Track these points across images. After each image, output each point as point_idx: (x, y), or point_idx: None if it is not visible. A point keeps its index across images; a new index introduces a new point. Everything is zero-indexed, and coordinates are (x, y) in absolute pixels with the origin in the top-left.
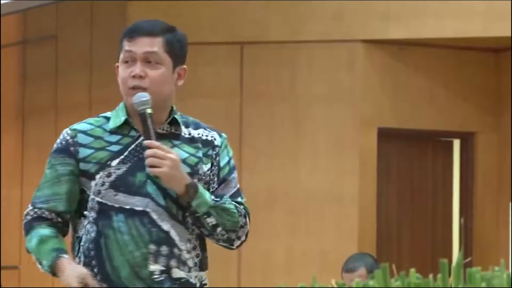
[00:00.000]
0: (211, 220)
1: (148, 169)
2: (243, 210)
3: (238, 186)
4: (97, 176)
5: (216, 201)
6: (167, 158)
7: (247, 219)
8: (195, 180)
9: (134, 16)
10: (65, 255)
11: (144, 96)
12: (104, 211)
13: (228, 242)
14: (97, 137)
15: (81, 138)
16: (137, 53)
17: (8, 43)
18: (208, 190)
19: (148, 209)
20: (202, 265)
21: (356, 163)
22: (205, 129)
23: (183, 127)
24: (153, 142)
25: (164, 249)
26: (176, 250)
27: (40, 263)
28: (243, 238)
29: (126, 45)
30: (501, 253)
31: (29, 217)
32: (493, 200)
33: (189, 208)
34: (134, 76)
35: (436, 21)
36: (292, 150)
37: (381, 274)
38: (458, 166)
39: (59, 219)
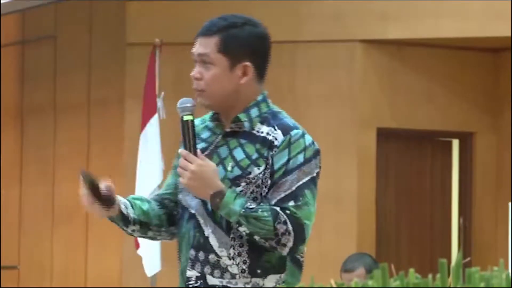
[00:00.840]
0: (243, 229)
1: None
2: (283, 217)
3: (294, 188)
4: None
5: (249, 209)
6: (188, 170)
7: (293, 225)
8: (243, 184)
9: (132, 16)
10: (121, 205)
11: (186, 102)
12: (181, 209)
13: (274, 249)
14: (197, 134)
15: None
16: (194, 55)
17: (6, 43)
18: (261, 194)
19: (197, 213)
20: (255, 271)
21: (355, 163)
22: (273, 126)
23: (258, 124)
24: (182, 151)
25: (201, 255)
26: (212, 256)
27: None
28: (290, 245)
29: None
30: (500, 253)
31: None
32: (492, 200)
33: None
34: (194, 78)
35: (435, 21)
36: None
37: (380, 274)
38: (457, 166)
39: (165, 201)
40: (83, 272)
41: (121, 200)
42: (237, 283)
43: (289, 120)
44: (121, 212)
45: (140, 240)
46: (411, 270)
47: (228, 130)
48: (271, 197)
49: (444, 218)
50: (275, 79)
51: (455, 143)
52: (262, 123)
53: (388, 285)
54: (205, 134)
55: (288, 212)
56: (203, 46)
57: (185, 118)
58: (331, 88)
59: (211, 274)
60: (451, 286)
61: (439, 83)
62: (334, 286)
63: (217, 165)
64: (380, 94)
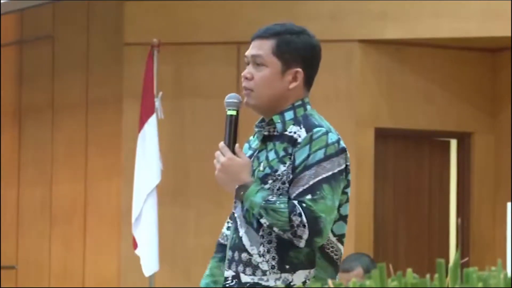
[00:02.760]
0: (264, 221)
1: None
2: (299, 209)
3: (312, 183)
4: None
5: (269, 201)
6: (218, 162)
7: (308, 218)
8: (270, 181)
9: (130, 16)
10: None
11: (233, 97)
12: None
13: (292, 241)
14: (251, 142)
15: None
16: (248, 56)
17: (4, 43)
18: (286, 191)
19: (237, 216)
20: (284, 267)
21: (353, 163)
22: (300, 125)
23: (291, 126)
24: (220, 144)
25: (236, 255)
26: (245, 255)
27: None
28: (305, 237)
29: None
30: (498, 253)
31: None
32: (490, 200)
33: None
34: (244, 78)
35: (433, 21)
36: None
37: (378, 274)
38: (455, 166)
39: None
40: (81, 272)
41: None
42: (268, 280)
43: (317, 120)
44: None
45: (138, 240)
46: (409, 270)
47: (265, 133)
48: (291, 192)
49: (442, 218)
50: None
51: (453, 143)
52: (294, 124)
53: (386, 285)
54: (254, 143)
55: (304, 205)
56: (257, 48)
57: (229, 112)
58: (329, 88)
59: (244, 272)
60: (449, 286)
61: (437, 83)
62: (332, 286)
63: (255, 168)
64: (378, 94)
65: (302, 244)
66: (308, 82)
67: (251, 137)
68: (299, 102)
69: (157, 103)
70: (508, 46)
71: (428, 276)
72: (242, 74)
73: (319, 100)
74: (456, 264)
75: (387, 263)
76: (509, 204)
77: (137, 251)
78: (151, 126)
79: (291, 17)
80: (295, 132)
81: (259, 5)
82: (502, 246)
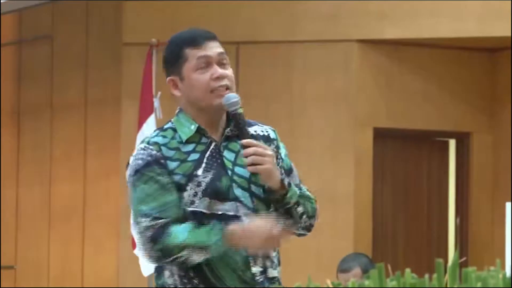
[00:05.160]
0: (300, 209)
1: (249, 168)
2: (313, 198)
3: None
4: (188, 187)
5: (301, 190)
6: (267, 155)
7: (317, 206)
8: None
9: (129, 16)
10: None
11: (234, 97)
12: (201, 220)
13: (308, 229)
14: (176, 149)
15: (165, 151)
16: (212, 56)
17: (3, 43)
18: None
19: (238, 213)
20: (279, 260)
21: (352, 163)
22: (258, 125)
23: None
24: (251, 141)
25: None
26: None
27: (204, 245)
28: (314, 223)
29: (197, 52)
30: (496, 253)
31: (154, 228)
32: (488, 199)
33: (282, 201)
34: (218, 78)
35: (431, 21)
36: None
37: (376, 274)
38: (453, 166)
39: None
40: (79, 272)
41: None
42: (278, 272)
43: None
44: None
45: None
46: (408, 270)
47: (228, 134)
48: (293, 181)
49: (441, 218)
50: (271, 79)
51: (452, 143)
52: (248, 125)
53: (384, 285)
54: (187, 147)
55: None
56: (219, 47)
57: (240, 110)
58: (328, 88)
59: (271, 266)
60: (448, 286)
61: (435, 83)
62: (331, 286)
63: (232, 167)
64: (377, 94)
65: (311, 231)
66: None
67: (160, 141)
68: None
69: (156, 103)
70: (507, 46)
71: (426, 276)
72: (214, 75)
73: (317, 100)
74: (455, 264)
75: (386, 263)
76: (507, 204)
77: (136, 251)
78: (150, 126)
79: (290, 17)
80: (262, 131)
81: (259, 5)
82: (500, 246)
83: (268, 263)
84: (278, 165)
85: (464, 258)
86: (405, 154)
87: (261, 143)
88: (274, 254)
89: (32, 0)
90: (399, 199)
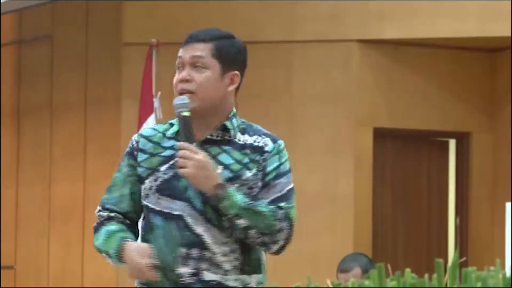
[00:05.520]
0: (241, 222)
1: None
2: (282, 215)
3: (285, 191)
4: (147, 181)
5: (250, 203)
6: (193, 159)
7: (287, 224)
8: (236, 185)
9: (129, 16)
10: (130, 240)
11: (183, 99)
12: (148, 214)
13: (263, 246)
14: (155, 143)
15: (142, 143)
16: (185, 58)
17: (3, 43)
18: (254, 194)
19: (184, 213)
20: (245, 268)
21: (351, 163)
22: (260, 135)
23: (239, 134)
24: (183, 144)
25: (195, 252)
26: (207, 253)
27: (109, 255)
28: (281, 242)
29: (179, 52)
30: (496, 253)
31: (99, 219)
32: (488, 200)
33: (219, 210)
34: (181, 80)
35: (431, 21)
36: (286, 150)
37: (376, 274)
38: (453, 166)
39: (127, 220)
40: (79, 272)
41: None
42: (228, 280)
43: (264, 129)
44: None
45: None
46: (408, 270)
47: (208, 137)
48: (264, 197)
49: (441, 218)
50: (271, 79)
51: (452, 143)
52: (242, 133)
53: (384, 285)
54: (168, 143)
55: (283, 211)
56: (197, 50)
57: (184, 113)
58: (328, 88)
59: (208, 270)
60: (448, 286)
61: (436, 83)
62: (331, 286)
63: None
64: (377, 94)
65: (274, 249)
66: (239, 87)
67: (150, 134)
68: (235, 111)
69: (156, 103)
70: (507, 46)
71: (426, 276)
72: (179, 77)
73: (317, 100)
74: (455, 264)
75: (386, 263)
76: (507, 204)
77: None
78: (149, 126)
79: (290, 17)
80: (255, 141)
81: (258, 5)
82: (500, 246)
83: (204, 266)
84: (254, 176)
85: (464, 258)
86: (405, 154)
87: (193, 147)
88: (224, 259)
89: (32, 0)
90: (399, 199)
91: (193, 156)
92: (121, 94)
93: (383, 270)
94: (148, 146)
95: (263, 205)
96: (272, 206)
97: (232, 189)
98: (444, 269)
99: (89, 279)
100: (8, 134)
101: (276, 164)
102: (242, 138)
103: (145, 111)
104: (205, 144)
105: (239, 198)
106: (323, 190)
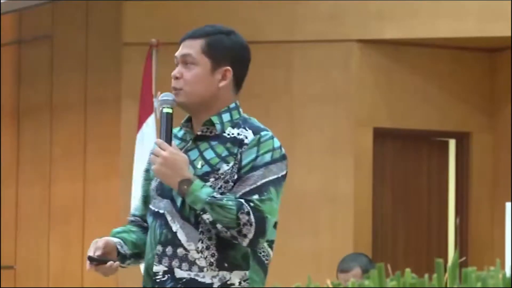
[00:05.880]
0: (207, 217)
1: None
2: (247, 208)
3: (260, 183)
4: (152, 182)
5: (214, 197)
6: (159, 156)
7: (255, 217)
8: (212, 179)
9: (129, 16)
10: (114, 237)
11: (167, 95)
12: (150, 216)
13: (234, 240)
14: None
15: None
16: (177, 56)
17: (3, 43)
18: (229, 190)
19: (166, 212)
20: (223, 265)
21: (351, 163)
22: (244, 128)
23: (229, 128)
24: (157, 140)
25: (169, 249)
26: (180, 250)
27: None
28: (250, 236)
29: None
30: (496, 253)
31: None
32: (488, 200)
33: (190, 206)
34: (173, 78)
35: (431, 21)
36: (286, 150)
37: (376, 274)
38: (453, 166)
39: (145, 223)
40: (79, 272)
41: (117, 242)
42: (204, 276)
43: (259, 123)
44: (119, 253)
45: None
46: (408, 270)
47: (199, 133)
48: (237, 190)
49: (441, 218)
50: (271, 79)
51: (452, 143)
52: (233, 127)
53: (384, 285)
54: (176, 142)
55: (252, 204)
56: (187, 47)
57: (164, 110)
58: (328, 88)
59: (179, 267)
60: (448, 286)
61: (435, 83)
62: (331, 286)
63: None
64: (377, 94)
65: (245, 243)
66: (238, 82)
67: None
68: (234, 105)
69: (156, 103)
70: (507, 46)
71: (426, 276)
72: (171, 74)
73: (317, 100)
74: (455, 264)
75: (386, 263)
76: (507, 204)
77: None
78: (149, 126)
79: (289, 17)
80: (238, 134)
81: (258, 5)
82: (500, 246)
83: (175, 263)
84: (230, 170)
85: (464, 258)
86: (405, 154)
87: (164, 144)
88: (199, 255)
89: (32, 0)
90: (399, 199)
91: (160, 153)
92: (121, 94)
93: (383, 270)
94: None
95: (228, 199)
96: (239, 200)
97: (197, 184)
98: (444, 269)
99: (89, 279)
100: (8, 134)
101: (252, 156)
102: (232, 132)
103: (145, 111)
104: (197, 140)
105: (204, 193)
106: (323, 190)
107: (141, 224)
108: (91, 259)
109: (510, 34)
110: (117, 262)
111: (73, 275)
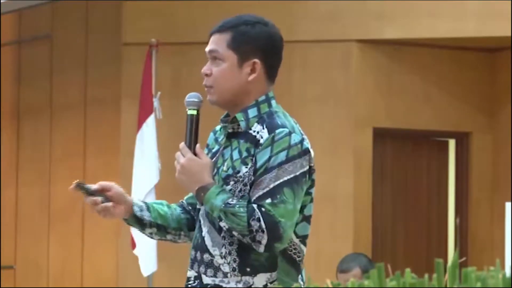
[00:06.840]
0: (223, 224)
1: None
2: (258, 214)
3: (271, 186)
4: None
5: (228, 204)
6: (178, 164)
7: (268, 222)
8: (232, 183)
9: (129, 16)
10: (134, 207)
11: (193, 96)
12: (196, 212)
13: (251, 246)
14: (215, 138)
15: (209, 138)
16: (207, 52)
17: (3, 43)
18: (248, 192)
19: (200, 215)
20: (245, 269)
21: (351, 163)
22: (263, 126)
23: (255, 124)
24: (180, 145)
25: (198, 254)
26: (207, 256)
27: None
28: (264, 242)
29: None
30: (496, 253)
31: None
32: (488, 200)
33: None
34: (204, 75)
35: (431, 21)
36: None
37: (376, 274)
38: (453, 166)
39: (189, 207)
40: (79, 272)
41: (136, 203)
42: (229, 282)
43: (281, 119)
44: (134, 215)
45: (136, 240)
46: (407, 270)
47: (229, 131)
48: (252, 195)
49: (440, 218)
50: None
51: (451, 143)
52: (258, 123)
53: (384, 285)
54: (221, 137)
55: (263, 209)
56: (214, 43)
57: (189, 112)
58: (327, 88)
59: (205, 273)
60: (447, 286)
61: (435, 83)
62: (330, 286)
63: (219, 166)
64: (377, 94)
65: (261, 249)
66: (270, 73)
67: (218, 128)
68: (263, 98)
69: (156, 103)
70: (507, 46)
71: (426, 276)
72: (201, 71)
73: (317, 100)
74: (455, 264)
75: (385, 263)
76: (507, 204)
77: (135, 251)
78: (149, 126)
79: (289, 17)
80: (257, 132)
81: (258, 5)
82: (500, 246)
83: (202, 269)
84: (247, 172)
85: (464, 258)
86: (405, 154)
87: (185, 148)
88: (223, 261)
89: (32, 0)
90: (399, 199)
91: (179, 160)
92: (120, 94)
93: (383, 270)
94: (211, 141)
95: (240, 206)
96: (251, 206)
97: (213, 191)
98: (444, 269)
99: (89, 279)
100: (8, 134)
101: (266, 157)
102: (256, 129)
103: (144, 111)
104: (230, 138)
105: (220, 199)
106: (323, 190)
107: (185, 207)
108: (78, 183)
109: (510, 34)
110: (112, 204)
111: (73, 275)
